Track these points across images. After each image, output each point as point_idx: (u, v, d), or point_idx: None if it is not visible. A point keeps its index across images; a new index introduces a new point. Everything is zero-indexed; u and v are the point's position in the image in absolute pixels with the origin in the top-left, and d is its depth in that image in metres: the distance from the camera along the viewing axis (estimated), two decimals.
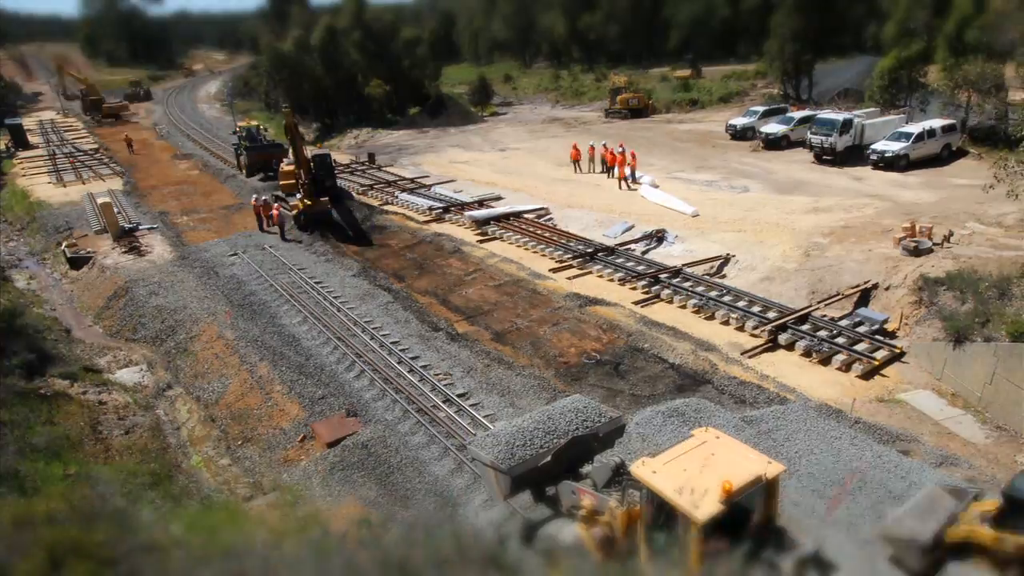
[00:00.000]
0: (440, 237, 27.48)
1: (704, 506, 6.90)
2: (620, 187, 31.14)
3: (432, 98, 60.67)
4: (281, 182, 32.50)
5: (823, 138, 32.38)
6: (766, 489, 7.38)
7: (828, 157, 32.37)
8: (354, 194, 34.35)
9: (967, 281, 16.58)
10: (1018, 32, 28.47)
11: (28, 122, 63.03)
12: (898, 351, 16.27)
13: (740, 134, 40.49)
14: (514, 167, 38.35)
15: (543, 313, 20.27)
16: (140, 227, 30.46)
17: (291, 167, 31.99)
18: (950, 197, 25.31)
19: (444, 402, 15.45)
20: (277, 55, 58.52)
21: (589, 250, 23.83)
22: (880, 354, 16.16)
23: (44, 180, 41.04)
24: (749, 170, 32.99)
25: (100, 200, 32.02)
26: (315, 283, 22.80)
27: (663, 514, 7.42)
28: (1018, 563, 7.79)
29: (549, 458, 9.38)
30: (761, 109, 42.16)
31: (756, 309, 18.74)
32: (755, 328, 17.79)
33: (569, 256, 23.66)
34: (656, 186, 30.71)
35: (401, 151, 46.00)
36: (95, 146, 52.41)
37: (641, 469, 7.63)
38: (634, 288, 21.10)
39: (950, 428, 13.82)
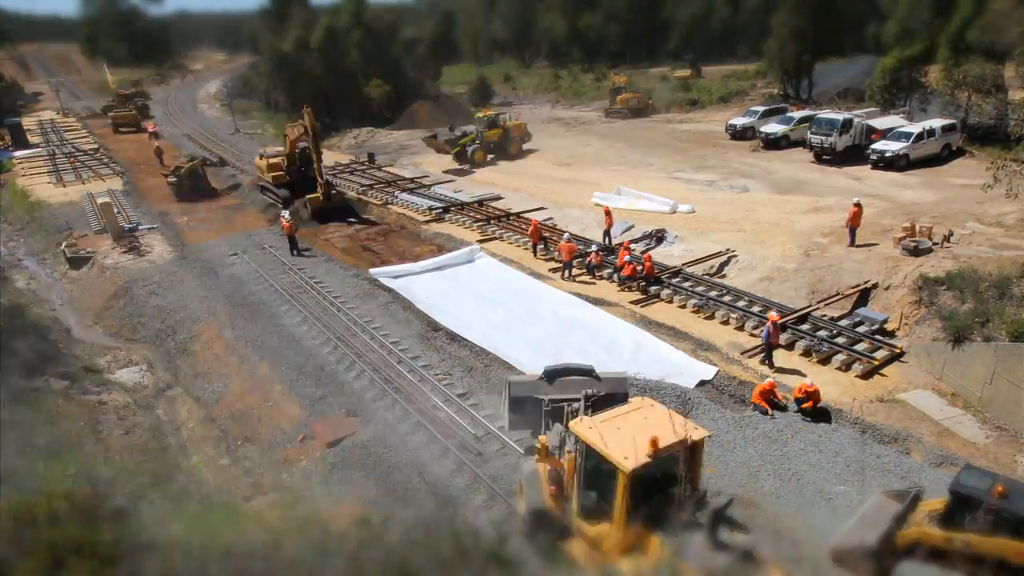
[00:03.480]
0: (440, 237, 27.49)
1: (632, 458, 7.48)
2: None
3: (432, 98, 60.63)
4: (271, 175, 32.57)
5: (823, 138, 32.40)
6: (691, 452, 7.84)
7: (828, 157, 32.40)
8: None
9: (967, 281, 16.60)
10: (1018, 32, 28.44)
11: (28, 122, 62.97)
12: (898, 351, 16.28)
13: (740, 134, 40.51)
14: (513, 167, 38.34)
15: None
16: (140, 227, 30.46)
17: (276, 159, 32.65)
18: (950, 197, 25.32)
19: (444, 402, 15.45)
20: (277, 55, 58.49)
21: (589, 250, 23.81)
22: (880, 354, 16.17)
23: (44, 180, 41.03)
24: (749, 170, 33.00)
25: (100, 200, 32.01)
26: (315, 283, 22.80)
27: (596, 465, 7.96)
28: (968, 560, 7.80)
29: (543, 393, 9.90)
30: (761, 109, 42.20)
31: (756, 309, 18.75)
32: (755, 328, 17.79)
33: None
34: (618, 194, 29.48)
35: (401, 151, 46.00)
36: (95, 146, 52.38)
37: (579, 425, 8.38)
38: (634, 288, 21.09)
39: (950, 428, 13.82)
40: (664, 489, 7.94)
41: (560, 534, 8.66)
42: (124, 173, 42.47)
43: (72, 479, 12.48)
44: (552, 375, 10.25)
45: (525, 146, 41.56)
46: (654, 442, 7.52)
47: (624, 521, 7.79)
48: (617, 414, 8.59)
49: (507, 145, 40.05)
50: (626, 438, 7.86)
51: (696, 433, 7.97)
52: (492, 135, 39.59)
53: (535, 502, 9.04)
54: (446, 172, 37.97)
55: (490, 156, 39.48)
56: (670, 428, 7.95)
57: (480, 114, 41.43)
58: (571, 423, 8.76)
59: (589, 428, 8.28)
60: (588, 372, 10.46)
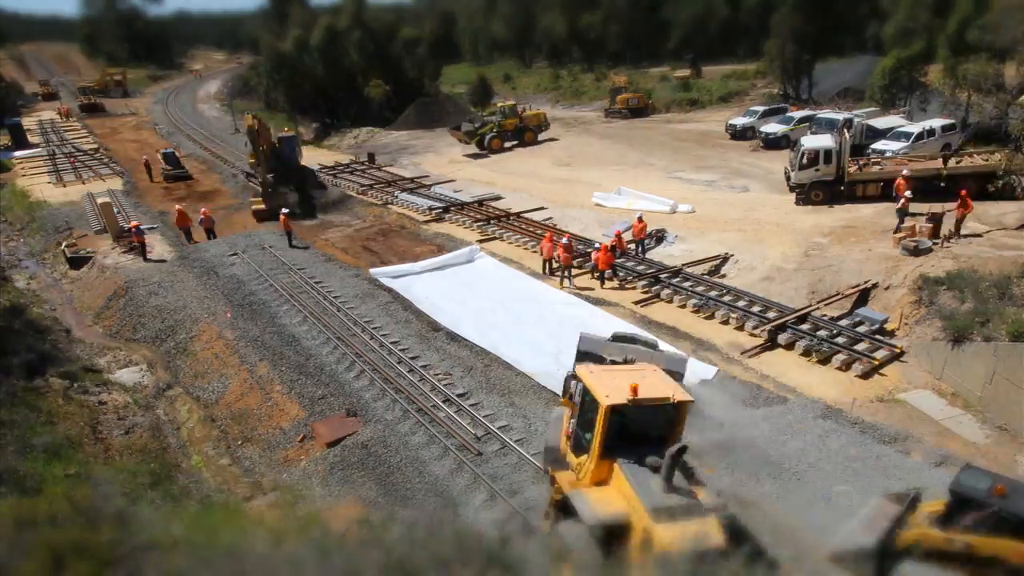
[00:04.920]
0: (440, 237, 27.49)
1: (613, 397, 8.61)
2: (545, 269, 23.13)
3: (432, 98, 60.63)
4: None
5: None
6: (676, 411, 8.93)
7: None
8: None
9: (967, 281, 16.59)
10: (1020, 30, 28.39)
11: (28, 122, 63.00)
12: (898, 351, 16.28)
13: (740, 134, 40.51)
14: (514, 167, 38.35)
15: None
16: (140, 227, 30.39)
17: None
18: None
19: (444, 402, 15.45)
20: (277, 55, 58.51)
21: (589, 250, 23.79)
22: (880, 354, 16.17)
23: (44, 180, 41.04)
24: (749, 170, 32.99)
25: (100, 200, 32.00)
26: (315, 283, 22.79)
27: (589, 403, 9.17)
28: (968, 562, 7.77)
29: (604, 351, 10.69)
30: (761, 109, 42.19)
31: (756, 309, 18.75)
32: (755, 328, 17.80)
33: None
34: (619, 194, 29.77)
35: (401, 151, 45.99)
36: (95, 146, 52.40)
37: (582, 369, 9.61)
38: (634, 288, 21.10)
39: (950, 428, 13.82)
40: (645, 437, 8.96)
41: (564, 467, 9.76)
42: (124, 173, 42.49)
43: (72, 479, 12.48)
44: (618, 338, 10.94)
45: (542, 136, 44.04)
46: (634, 389, 8.55)
47: (599, 453, 8.82)
48: (620, 369, 9.66)
49: (523, 133, 42.90)
50: (617, 384, 8.85)
51: (681, 395, 8.87)
52: (509, 124, 42.42)
53: (549, 440, 10.23)
54: (466, 156, 41.38)
55: (508, 144, 42.25)
56: (660, 387, 8.97)
57: (500, 103, 44.57)
58: (577, 367, 9.84)
59: (589, 372, 9.41)
60: (652, 345, 11.04)
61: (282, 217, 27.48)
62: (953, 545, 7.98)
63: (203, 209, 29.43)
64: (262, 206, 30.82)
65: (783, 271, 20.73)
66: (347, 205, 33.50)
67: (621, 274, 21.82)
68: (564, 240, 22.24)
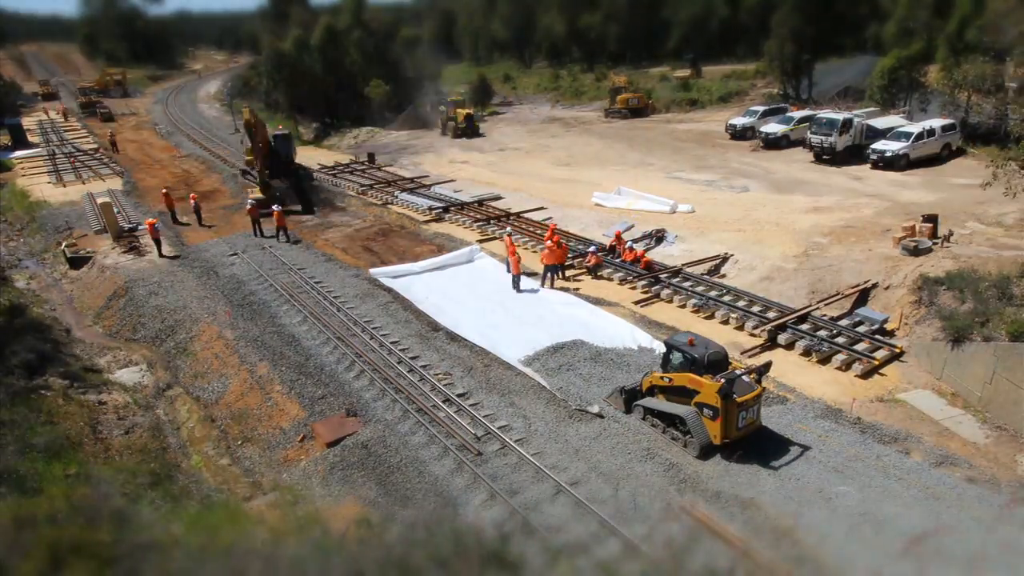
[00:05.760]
0: (440, 237, 27.48)
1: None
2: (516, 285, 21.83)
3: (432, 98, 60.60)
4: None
5: (823, 138, 32.39)
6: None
7: (827, 157, 32.36)
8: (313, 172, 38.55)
9: (967, 281, 16.58)
10: (1017, 31, 28.43)
11: (28, 122, 63.00)
12: (898, 351, 16.28)
13: (740, 134, 40.52)
14: (513, 167, 38.37)
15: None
16: (140, 227, 30.42)
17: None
18: (950, 197, 25.33)
19: (444, 402, 15.45)
20: (277, 55, 58.51)
21: (589, 250, 23.80)
22: (880, 354, 16.18)
23: (44, 180, 41.03)
24: (749, 170, 33.00)
25: (100, 200, 32.01)
26: (315, 283, 22.79)
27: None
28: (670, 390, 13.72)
29: None
30: (761, 109, 42.20)
31: (756, 309, 18.75)
32: (755, 328, 17.80)
33: (569, 256, 23.62)
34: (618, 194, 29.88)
35: (401, 151, 45.99)
36: (94, 146, 52.39)
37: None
38: (634, 288, 21.10)
39: (950, 428, 13.82)
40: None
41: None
42: (124, 173, 42.49)
43: (72, 479, 12.48)
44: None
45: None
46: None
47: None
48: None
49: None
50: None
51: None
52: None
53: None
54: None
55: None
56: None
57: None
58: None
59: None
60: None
61: (275, 212, 28.10)
62: (663, 380, 13.73)
63: (192, 195, 32.97)
64: (261, 195, 31.52)
65: (783, 271, 20.74)
66: (346, 204, 33.52)
67: (620, 274, 21.85)
68: (548, 242, 22.14)
